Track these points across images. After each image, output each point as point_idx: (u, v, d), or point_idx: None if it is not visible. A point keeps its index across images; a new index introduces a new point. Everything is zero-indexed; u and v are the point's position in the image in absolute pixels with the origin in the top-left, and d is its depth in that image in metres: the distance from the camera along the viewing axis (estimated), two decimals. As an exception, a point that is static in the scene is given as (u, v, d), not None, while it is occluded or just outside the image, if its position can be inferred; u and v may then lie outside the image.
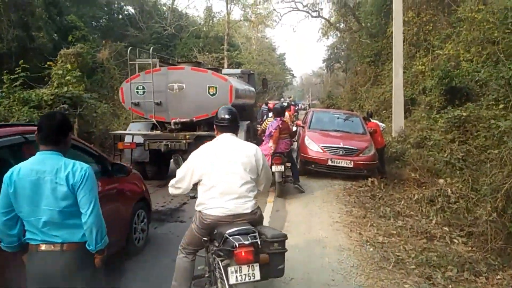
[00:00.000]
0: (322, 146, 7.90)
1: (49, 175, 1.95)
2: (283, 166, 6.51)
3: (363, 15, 18.70)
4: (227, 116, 2.75)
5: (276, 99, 41.86)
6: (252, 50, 31.72)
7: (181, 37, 28.40)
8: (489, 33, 9.63)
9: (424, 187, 6.47)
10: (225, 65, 27.07)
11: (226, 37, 25.92)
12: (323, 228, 5.05)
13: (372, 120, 9.28)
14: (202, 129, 7.34)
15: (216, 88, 7.07)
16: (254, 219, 2.63)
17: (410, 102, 13.70)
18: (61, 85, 10.10)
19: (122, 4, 30.79)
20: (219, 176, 2.58)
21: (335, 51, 41.28)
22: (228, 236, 2.37)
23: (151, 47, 8.02)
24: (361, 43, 19.00)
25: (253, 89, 10.44)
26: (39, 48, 15.21)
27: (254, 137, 8.76)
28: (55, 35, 17.54)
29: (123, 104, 7.83)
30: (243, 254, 2.30)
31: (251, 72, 11.52)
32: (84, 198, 1.97)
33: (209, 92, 7.09)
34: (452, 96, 9.80)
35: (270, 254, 2.44)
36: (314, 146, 7.98)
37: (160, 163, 8.01)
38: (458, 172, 6.16)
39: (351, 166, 7.63)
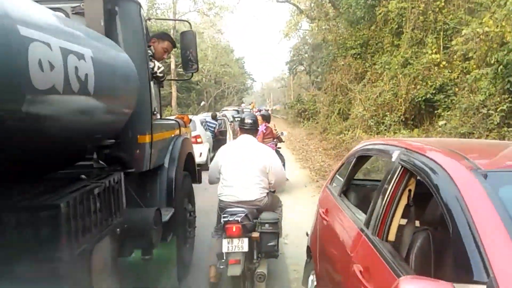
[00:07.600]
0: None
1: None
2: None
3: (341, -3, 14.73)
4: (249, 121, 3.36)
5: (236, 105, 37.58)
6: (205, 48, 27.08)
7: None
8: None
9: None
10: (172, 64, 22.31)
11: (172, 31, 21.24)
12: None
13: None
14: None
15: None
16: (259, 205, 3.14)
17: (424, 104, 9.97)
18: None
19: None
20: (233, 170, 3.16)
21: (299, 52, 37.90)
22: (222, 216, 2.99)
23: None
24: (341, 33, 15.13)
25: (125, 57, 2.50)
26: None
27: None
28: None
29: None
30: (234, 229, 2.85)
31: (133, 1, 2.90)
32: None
33: None
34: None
35: (261, 233, 3.00)
36: None
37: None
38: None
39: None
